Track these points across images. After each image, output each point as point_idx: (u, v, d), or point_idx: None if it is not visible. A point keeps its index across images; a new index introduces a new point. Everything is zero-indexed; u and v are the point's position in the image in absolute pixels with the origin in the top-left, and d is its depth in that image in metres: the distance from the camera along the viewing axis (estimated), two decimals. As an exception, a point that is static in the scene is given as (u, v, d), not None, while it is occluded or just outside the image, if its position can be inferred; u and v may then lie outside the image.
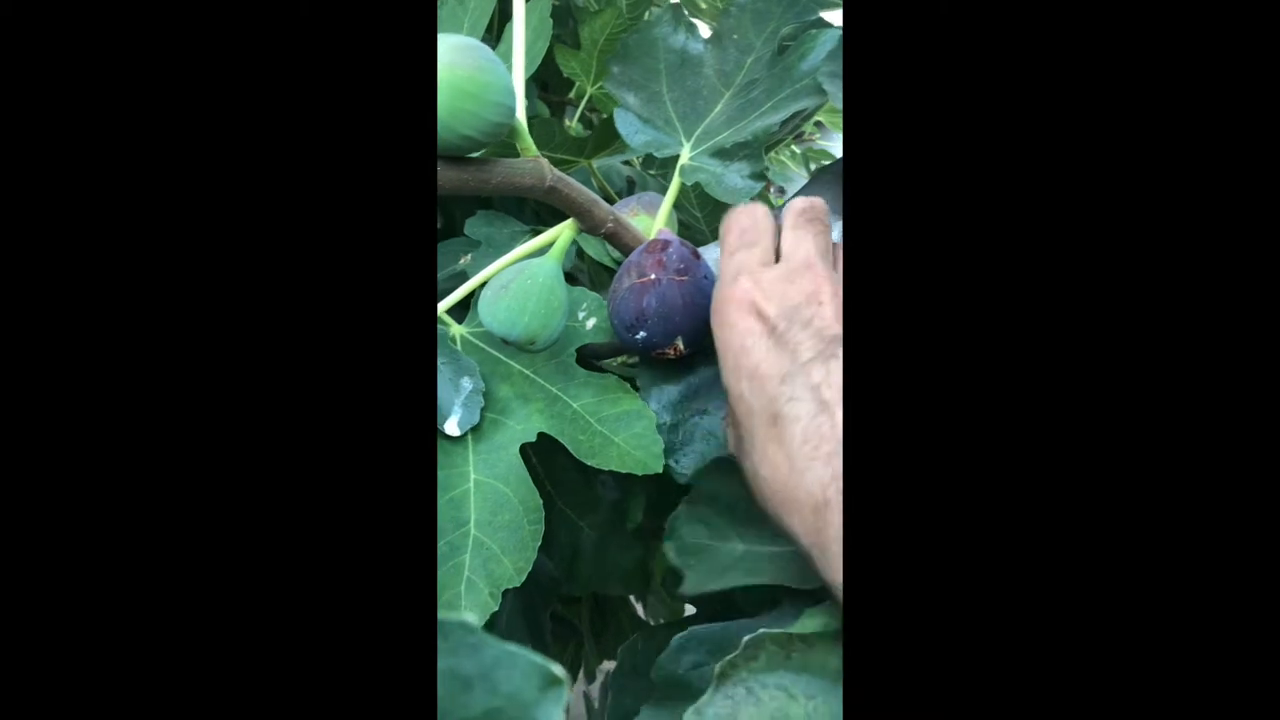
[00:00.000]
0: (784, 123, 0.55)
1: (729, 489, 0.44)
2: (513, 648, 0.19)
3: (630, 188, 0.89)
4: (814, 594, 0.38)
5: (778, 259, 0.42)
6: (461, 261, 0.67)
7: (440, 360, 0.53)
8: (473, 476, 0.51)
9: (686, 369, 0.51)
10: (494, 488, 0.50)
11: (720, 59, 0.60)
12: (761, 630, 0.35)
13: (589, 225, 0.50)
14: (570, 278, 0.72)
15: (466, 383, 0.52)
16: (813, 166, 1.20)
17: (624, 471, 0.48)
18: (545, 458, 0.61)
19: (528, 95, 0.81)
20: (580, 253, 0.78)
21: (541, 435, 0.51)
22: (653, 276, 0.46)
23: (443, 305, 0.53)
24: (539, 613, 0.67)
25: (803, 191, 0.52)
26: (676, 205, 0.67)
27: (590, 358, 0.56)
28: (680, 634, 0.42)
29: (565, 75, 0.85)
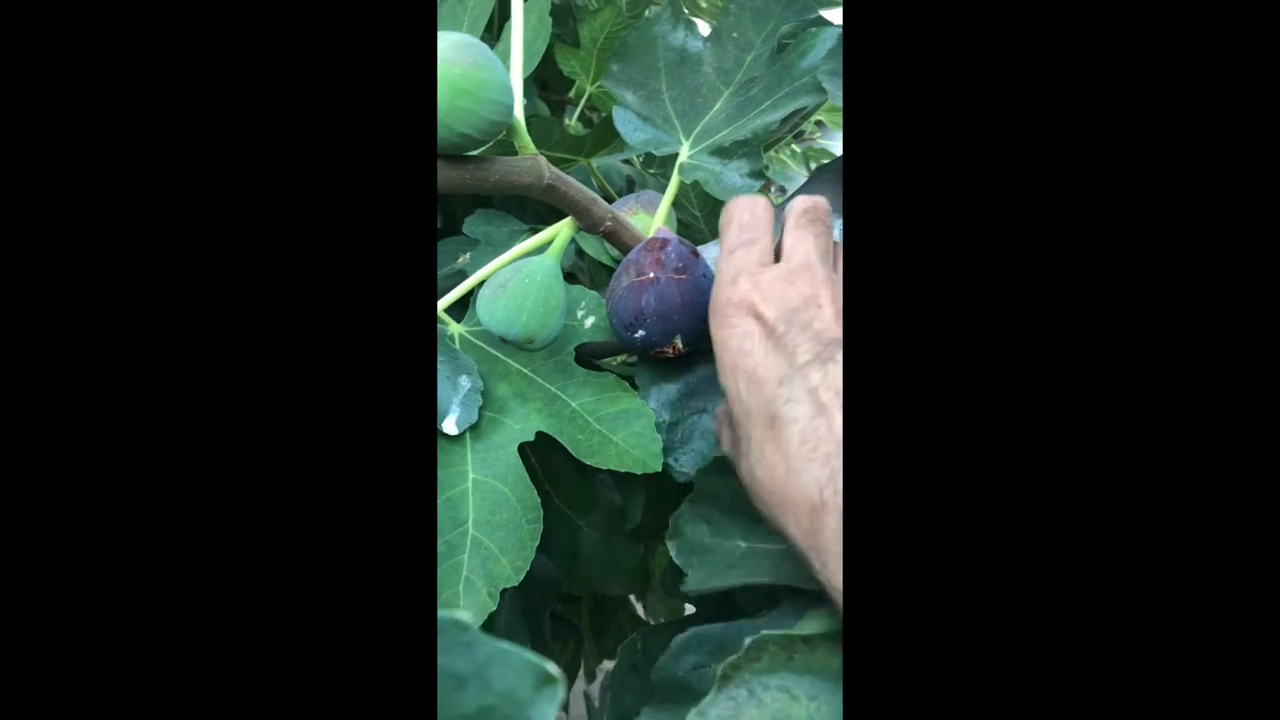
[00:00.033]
0: (783, 121, 0.55)
1: (731, 488, 0.44)
2: (506, 646, 0.19)
3: (630, 186, 0.89)
4: (814, 594, 0.38)
5: (777, 255, 0.41)
6: (460, 260, 0.67)
7: (438, 359, 0.53)
8: (471, 476, 0.51)
9: (685, 367, 0.51)
10: (492, 487, 0.50)
11: (719, 57, 0.60)
12: (764, 632, 0.35)
13: (588, 223, 0.50)
14: (569, 276, 0.72)
15: (465, 381, 0.52)
16: (813, 165, 1.20)
17: (623, 470, 0.48)
18: (544, 456, 0.61)
19: (527, 94, 0.81)
20: (579, 251, 0.78)
21: (540, 434, 0.51)
22: (651, 275, 0.46)
23: (441, 304, 0.53)
24: (539, 612, 0.67)
25: (803, 189, 0.51)
26: (675, 203, 0.67)
27: (589, 356, 0.56)
28: (681, 635, 0.42)
29: (565, 74, 0.85)
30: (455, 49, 0.39)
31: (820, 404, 0.34)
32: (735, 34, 0.59)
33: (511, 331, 0.47)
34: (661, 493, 0.62)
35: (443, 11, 0.69)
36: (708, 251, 0.49)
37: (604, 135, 0.78)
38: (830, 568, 0.32)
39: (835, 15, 0.59)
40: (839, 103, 0.49)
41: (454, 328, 0.56)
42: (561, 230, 0.51)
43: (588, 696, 0.94)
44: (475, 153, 0.44)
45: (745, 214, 0.43)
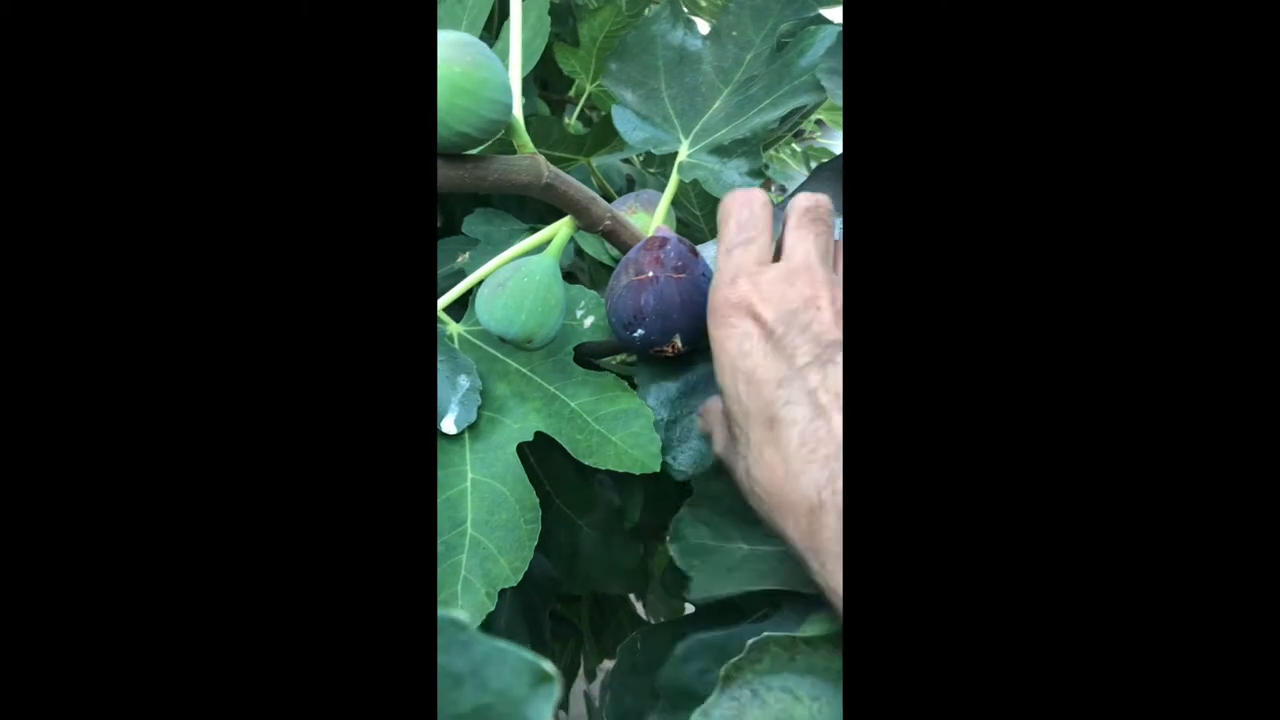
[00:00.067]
0: (783, 120, 0.55)
1: (730, 491, 0.44)
2: (503, 644, 0.19)
3: (630, 186, 0.89)
4: (815, 598, 0.38)
5: (778, 253, 0.41)
6: (459, 259, 0.67)
7: (437, 358, 0.53)
8: (470, 476, 0.51)
9: (685, 366, 0.51)
10: (491, 487, 0.50)
11: (719, 56, 0.60)
12: (766, 634, 0.35)
13: (587, 223, 0.50)
14: (569, 275, 0.72)
15: (463, 381, 0.52)
16: (813, 164, 1.20)
17: (621, 471, 0.48)
18: (543, 455, 0.61)
19: (527, 93, 0.81)
20: (578, 250, 0.78)
21: (539, 434, 0.51)
22: (650, 274, 0.46)
23: (440, 303, 0.53)
24: (539, 612, 0.67)
25: (802, 188, 0.51)
26: (675, 202, 0.67)
27: (588, 356, 0.56)
28: (684, 642, 0.42)
29: (565, 73, 0.85)
30: (454, 48, 0.39)
31: (819, 406, 0.34)
32: (734, 32, 0.59)
33: (510, 331, 0.47)
34: (660, 492, 0.62)
35: (442, 10, 0.68)
36: (707, 250, 0.49)
37: (603, 134, 0.78)
38: (828, 569, 0.32)
39: (834, 14, 0.59)
40: (838, 101, 0.49)
41: (453, 327, 0.56)
42: (560, 229, 0.50)
43: (588, 696, 0.94)
44: (474, 151, 0.43)
45: (743, 211, 0.42)
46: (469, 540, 0.49)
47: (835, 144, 1.21)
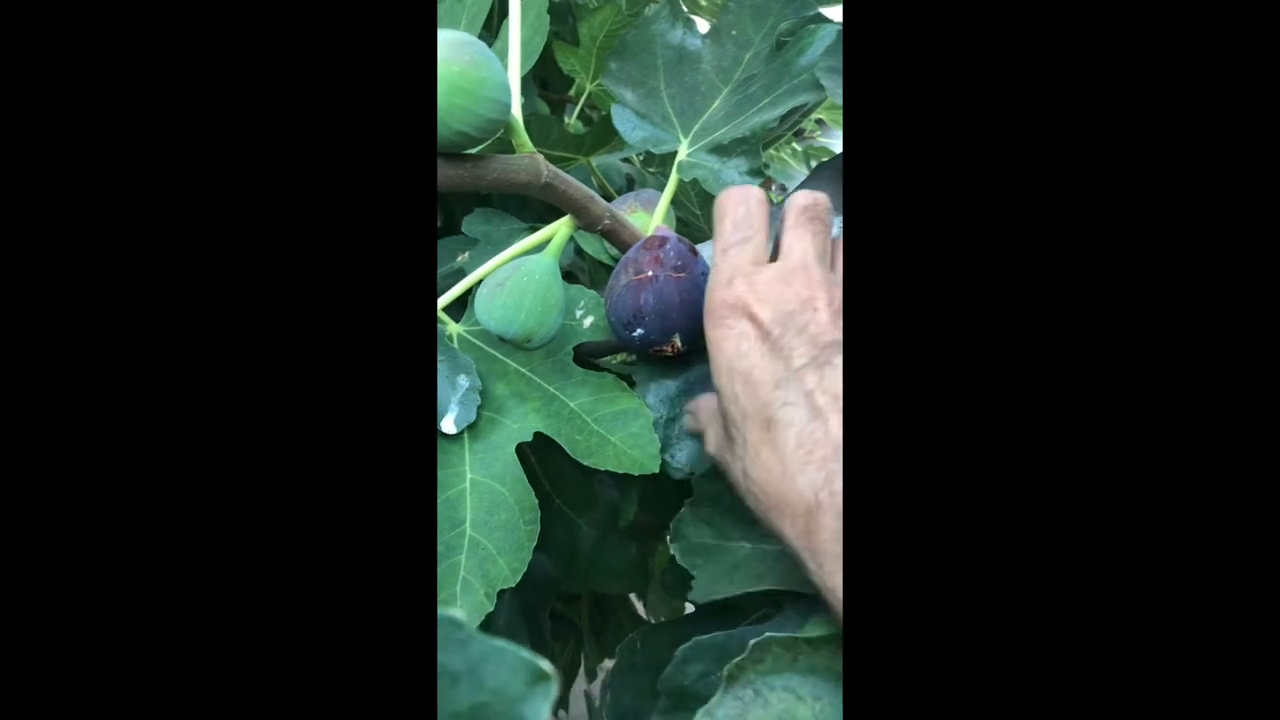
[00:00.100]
0: (783, 119, 0.55)
1: (730, 490, 0.44)
2: (500, 643, 0.19)
3: (629, 185, 0.89)
4: (816, 597, 0.38)
5: (775, 251, 0.41)
6: (459, 259, 0.67)
7: (437, 358, 0.53)
8: (469, 476, 0.51)
9: (684, 365, 0.51)
10: (490, 487, 0.50)
11: (718, 55, 0.60)
12: (768, 634, 0.35)
13: (586, 222, 0.50)
14: (568, 275, 0.72)
15: (463, 380, 0.52)
16: (813, 163, 1.20)
17: (620, 471, 0.48)
18: (543, 455, 0.61)
19: (527, 92, 0.81)
20: (578, 250, 0.78)
21: (538, 434, 0.51)
22: (650, 273, 0.46)
23: (440, 303, 0.53)
24: (538, 611, 0.67)
25: (803, 186, 0.51)
26: (674, 202, 0.67)
27: (587, 356, 0.55)
28: (685, 645, 0.42)
29: (564, 72, 0.85)
30: (453, 47, 0.39)
31: (816, 408, 0.34)
32: (734, 31, 0.59)
33: (509, 330, 0.47)
34: (659, 491, 0.62)
35: (441, 9, 0.68)
36: (706, 249, 0.49)
37: (603, 133, 0.78)
38: (826, 569, 0.32)
39: (834, 12, 0.59)
40: (838, 100, 0.49)
41: (452, 327, 0.56)
42: (560, 229, 0.50)
43: (588, 696, 0.94)
44: (473, 151, 0.43)
45: (739, 208, 0.42)
46: (468, 541, 0.49)
47: (835, 143, 1.21)
